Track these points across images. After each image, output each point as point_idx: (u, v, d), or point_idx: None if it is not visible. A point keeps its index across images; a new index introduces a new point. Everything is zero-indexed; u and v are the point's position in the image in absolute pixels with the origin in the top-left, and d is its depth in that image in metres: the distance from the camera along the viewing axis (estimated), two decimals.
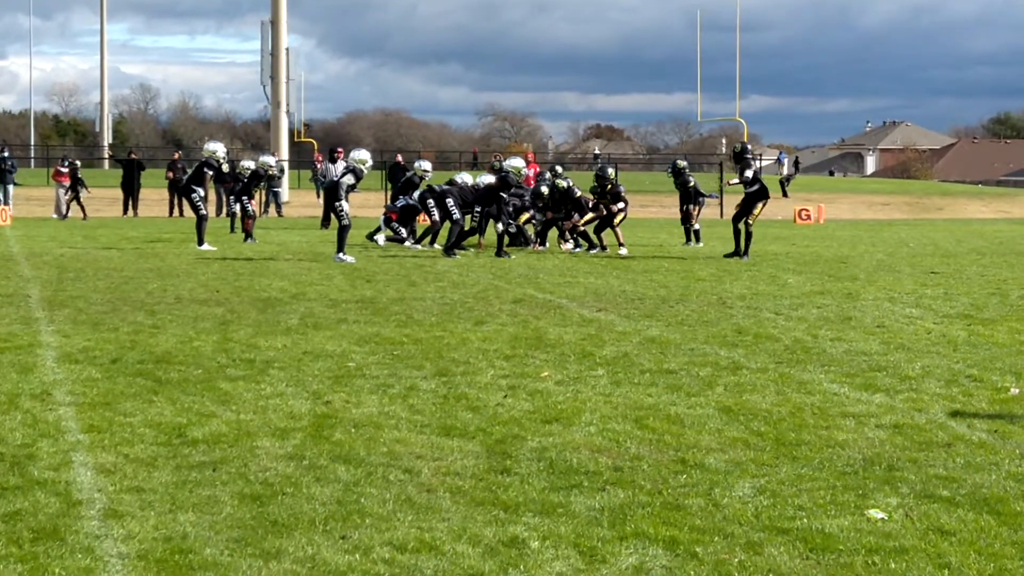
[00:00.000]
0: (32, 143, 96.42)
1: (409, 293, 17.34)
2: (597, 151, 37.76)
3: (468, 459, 7.89)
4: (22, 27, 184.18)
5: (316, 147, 79.61)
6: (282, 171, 46.07)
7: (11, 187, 42.56)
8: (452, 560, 5.97)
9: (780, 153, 78.00)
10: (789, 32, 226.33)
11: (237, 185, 30.77)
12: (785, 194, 63.43)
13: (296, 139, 64.69)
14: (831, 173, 69.29)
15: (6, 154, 44.34)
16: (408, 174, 28.92)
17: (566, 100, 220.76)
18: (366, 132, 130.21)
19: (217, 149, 27.56)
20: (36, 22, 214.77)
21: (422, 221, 29.65)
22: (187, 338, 12.77)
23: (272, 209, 44.29)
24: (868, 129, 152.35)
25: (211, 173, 26.88)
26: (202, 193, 26.60)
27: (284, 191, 47.20)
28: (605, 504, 6.89)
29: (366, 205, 47.13)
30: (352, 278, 19.44)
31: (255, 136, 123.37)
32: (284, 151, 53.43)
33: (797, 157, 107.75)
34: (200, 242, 26.04)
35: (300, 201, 50.42)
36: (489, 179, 26.99)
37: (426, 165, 28.44)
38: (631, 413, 9.28)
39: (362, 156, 24.29)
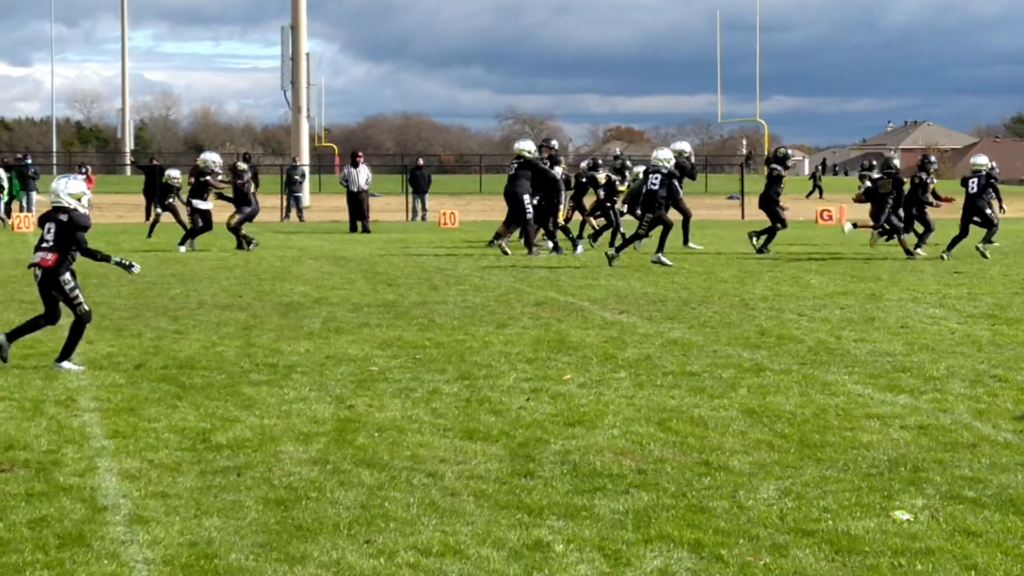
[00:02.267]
0: (54, 150, 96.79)
1: (431, 297, 17.35)
2: (619, 151, 37.68)
3: (491, 462, 7.89)
4: (48, 34, 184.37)
5: (336, 151, 79.61)
6: (303, 176, 46.12)
7: (34, 194, 42.70)
8: (477, 564, 5.97)
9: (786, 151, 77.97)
10: (812, 32, 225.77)
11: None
12: (811, 194, 63.50)
13: (317, 144, 64.83)
14: (834, 172, 68.87)
15: (29, 161, 44.53)
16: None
17: (588, 102, 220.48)
18: (386, 136, 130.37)
19: (209, 157, 28.54)
20: (62, 29, 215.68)
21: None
22: (210, 343, 12.80)
23: (293, 214, 44.35)
24: (889, 129, 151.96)
25: (206, 179, 27.72)
26: (209, 205, 27.65)
27: (305, 195, 47.23)
28: (629, 507, 6.89)
29: (387, 209, 47.21)
30: (374, 282, 19.46)
31: (276, 141, 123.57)
32: (305, 156, 53.52)
33: (824, 159, 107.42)
34: (184, 242, 26.92)
35: (320, 205, 50.52)
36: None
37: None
38: (654, 415, 9.27)
39: (665, 154, 23.34)
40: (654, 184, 22.65)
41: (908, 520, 6.65)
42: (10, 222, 37.12)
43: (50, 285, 11.11)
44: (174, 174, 32.05)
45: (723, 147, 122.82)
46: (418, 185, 45.32)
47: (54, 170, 73.83)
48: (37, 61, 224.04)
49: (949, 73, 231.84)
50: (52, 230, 11.04)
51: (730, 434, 8.69)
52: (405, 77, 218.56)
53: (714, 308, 16.05)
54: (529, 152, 25.97)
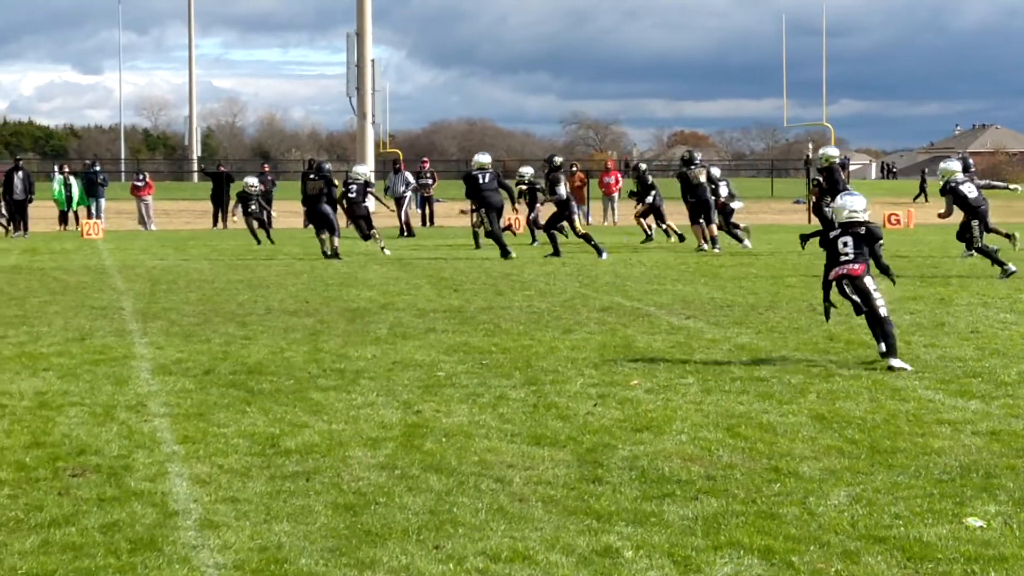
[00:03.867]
0: (123, 157, 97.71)
1: (496, 302, 17.36)
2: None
3: (559, 468, 7.88)
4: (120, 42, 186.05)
5: (401, 157, 80.00)
6: (369, 183, 46.25)
7: (103, 201, 43.13)
8: (546, 570, 5.96)
9: (844, 157, 77.80)
10: (880, 36, 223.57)
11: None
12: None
13: (381, 149, 65.03)
14: (893, 175, 68.75)
15: (97, 168, 44.96)
16: None
17: (654, 107, 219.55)
18: (451, 142, 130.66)
19: (361, 169, 31.05)
20: (132, 37, 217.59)
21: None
22: (278, 349, 12.87)
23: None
24: (957, 132, 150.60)
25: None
26: (372, 208, 29.75)
27: (370, 201, 47.34)
28: (699, 513, 6.86)
29: (452, 214, 47.27)
30: (439, 288, 19.51)
31: (341, 147, 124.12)
32: (370, 162, 53.69)
33: (886, 163, 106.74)
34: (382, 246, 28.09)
35: (385, 211, 50.60)
36: None
37: None
38: (722, 421, 9.23)
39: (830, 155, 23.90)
40: None
41: (981, 527, 6.58)
42: (80, 228, 37.43)
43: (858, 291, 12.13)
44: (252, 181, 32.30)
45: (789, 151, 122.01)
46: None
47: (122, 177, 74.59)
48: (108, 69, 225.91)
49: (1018, 76, 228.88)
50: (849, 243, 12.22)
51: (800, 440, 8.63)
52: (471, 83, 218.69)
53: (782, 313, 15.96)
54: (490, 165, 28.10)
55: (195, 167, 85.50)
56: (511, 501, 7.14)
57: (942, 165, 22.82)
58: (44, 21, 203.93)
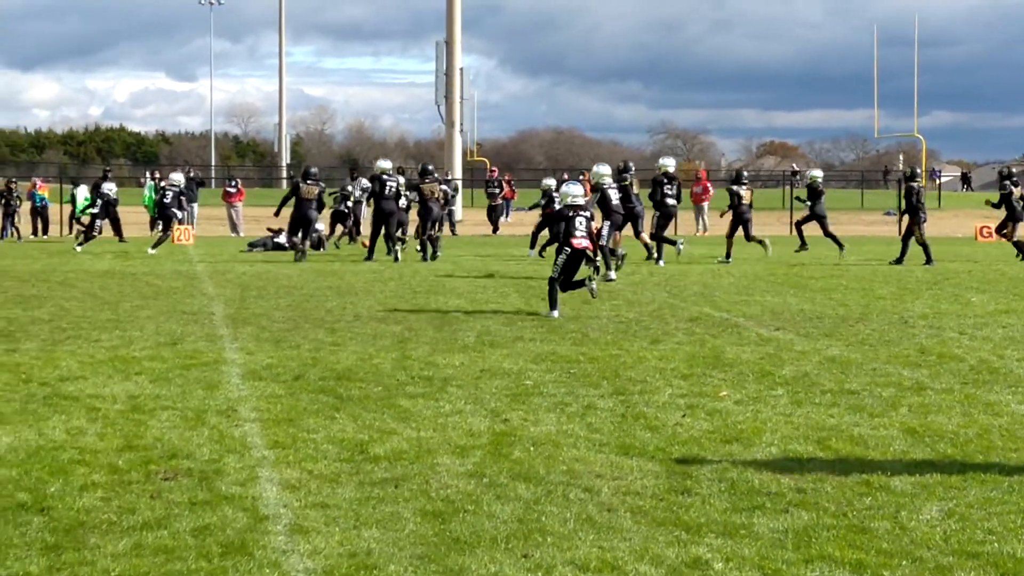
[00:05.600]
0: (213, 163, 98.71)
1: (584, 311, 17.33)
2: (796, 168, 36.74)
3: (648, 479, 7.85)
4: (214, 50, 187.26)
5: (488, 166, 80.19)
6: (456, 189, 46.43)
7: (195, 206, 43.57)
8: None
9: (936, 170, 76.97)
10: (975, 47, 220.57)
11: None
12: None
13: (468, 158, 65.26)
14: (969, 187, 67.33)
15: (192, 174, 45.44)
16: None
17: (744, 117, 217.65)
18: (537, 150, 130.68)
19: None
20: (226, 45, 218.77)
21: None
22: (367, 355, 12.93)
23: (447, 227, 44.71)
24: None
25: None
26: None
27: (458, 209, 47.57)
28: (789, 526, 6.80)
29: (524, 223, 47.29)
30: (527, 296, 19.51)
31: (428, 155, 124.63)
32: (457, 170, 53.92)
33: (964, 173, 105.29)
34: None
35: (472, 219, 50.83)
36: None
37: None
38: (813, 434, 9.15)
39: None
40: None
41: None
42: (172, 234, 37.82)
43: None
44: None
45: (879, 162, 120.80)
46: None
47: (212, 184, 75.33)
48: (202, 76, 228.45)
49: None
50: (583, 223, 15.78)
51: (891, 453, 8.54)
52: (560, 92, 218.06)
53: (872, 325, 15.81)
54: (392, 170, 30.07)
55: (284, 174, 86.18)
56: (600, 511, 7.12)
57: (594, 168, 25.59)
58: (139, 29, 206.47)
